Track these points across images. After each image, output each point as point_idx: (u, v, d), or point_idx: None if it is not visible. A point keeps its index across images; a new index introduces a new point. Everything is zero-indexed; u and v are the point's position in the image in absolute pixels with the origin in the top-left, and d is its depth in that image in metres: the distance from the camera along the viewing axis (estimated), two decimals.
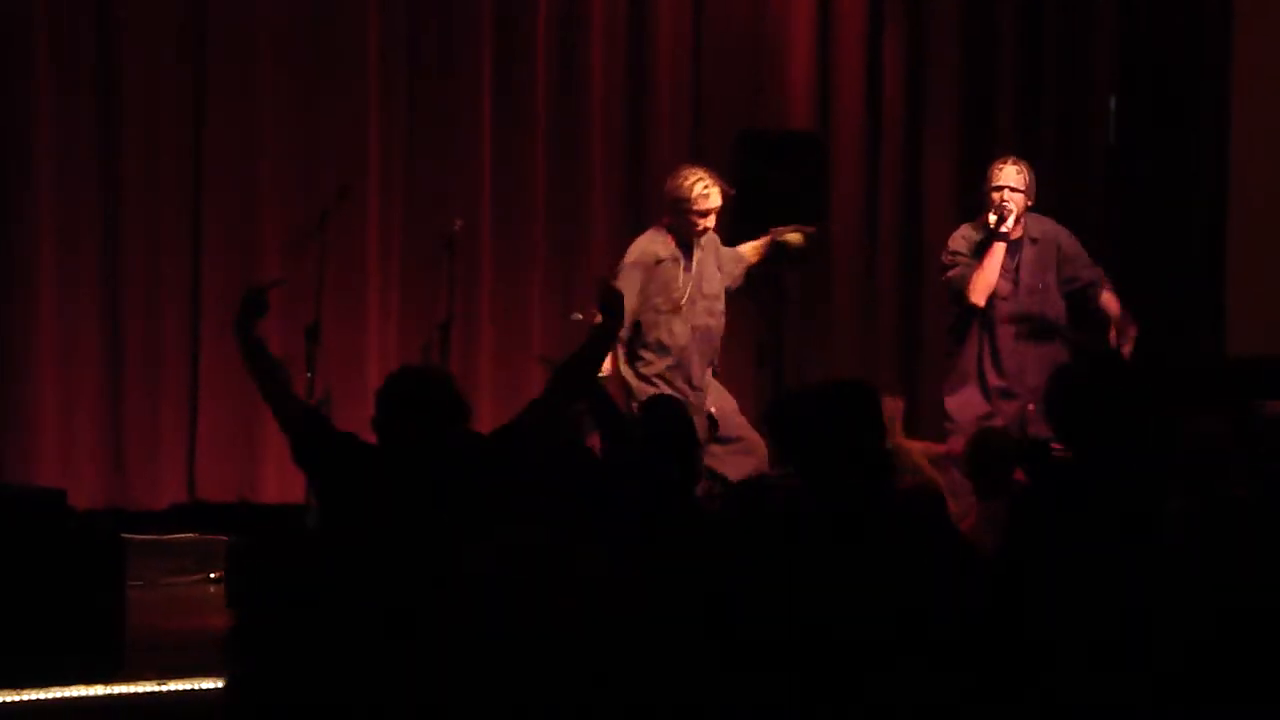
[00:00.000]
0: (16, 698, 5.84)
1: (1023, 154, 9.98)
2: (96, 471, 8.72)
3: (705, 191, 7.67)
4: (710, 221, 7.79)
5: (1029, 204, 8.07)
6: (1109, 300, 8.20)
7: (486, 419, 8.60)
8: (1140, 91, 10.43)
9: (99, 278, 8.75)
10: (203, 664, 5.96)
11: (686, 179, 7.69)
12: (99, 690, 5.98)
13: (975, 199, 8.34)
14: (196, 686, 5.98)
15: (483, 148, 9.35)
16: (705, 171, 7.75)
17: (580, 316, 8.44)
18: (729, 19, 9.84)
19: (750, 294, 9.83)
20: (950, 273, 8.14)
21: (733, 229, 9.68)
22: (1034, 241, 8.12)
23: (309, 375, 8.05)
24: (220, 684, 5.73)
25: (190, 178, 8.90)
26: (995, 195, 7.99)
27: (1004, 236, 7.93)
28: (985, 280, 7.93)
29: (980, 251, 7.99)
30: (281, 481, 8.72)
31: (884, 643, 3.86)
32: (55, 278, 8.64)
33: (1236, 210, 9.84)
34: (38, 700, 5.86)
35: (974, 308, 7.97)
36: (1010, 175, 8.01)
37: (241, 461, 8.92)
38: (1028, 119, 10.31)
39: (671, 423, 5.32)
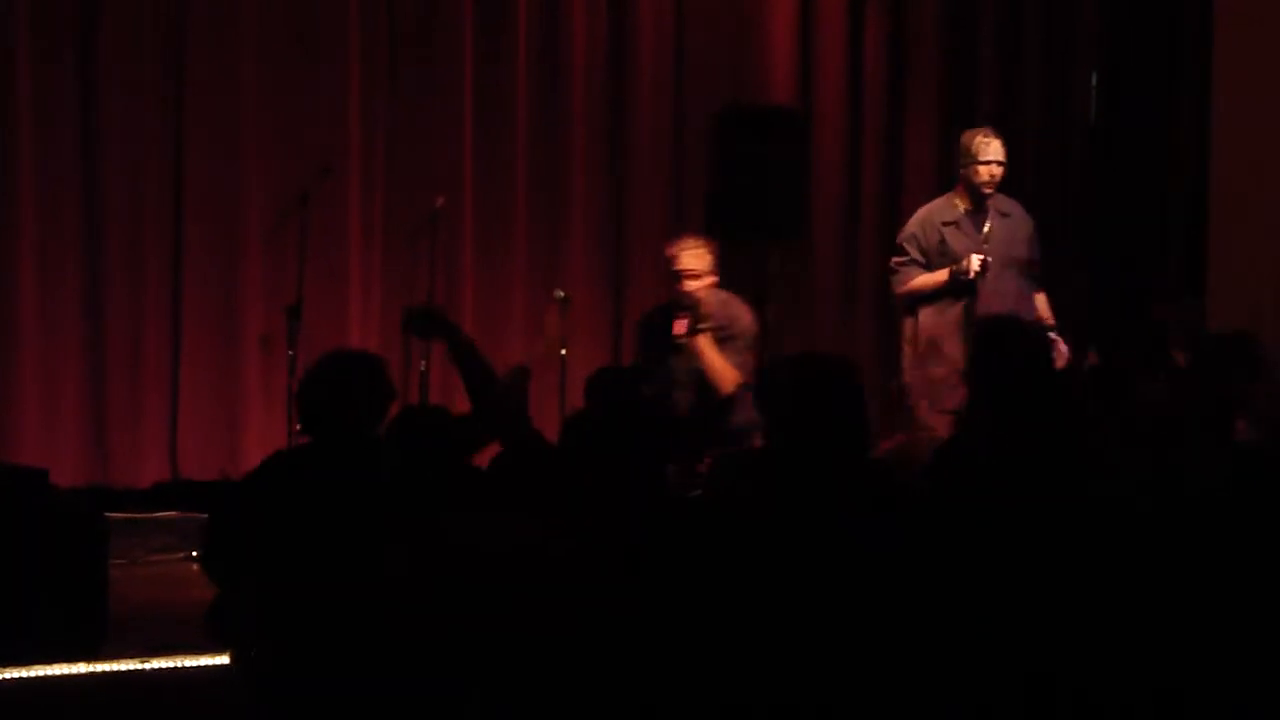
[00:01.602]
0: (0, 676, 5.84)
1: (1003, 129, 10.01)
2: (78, 450, 8.72)
3: None
4: None
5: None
6: (1043, 307, 8.19)
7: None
8: (1122, 67, 10.43)
9: (80, 256, 8.74)
10: (185, 641, 5.97)
11: None
12: (82, 668, 5.98)
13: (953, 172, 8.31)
14: (179, 664, 5.99)
15: (464, 125, 9.34)
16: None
17: (562, 294, 8.47)
18: None
19: (732, 273, 9.86)
20: (894, 270, 8.14)
21: (717, 204, 9.71)
22: (1004, 215, 8.08)
23: (290, 353, 8.04)
24: (203, 661, 5.79)
25: (171, 156, 8.88)
26: (983, 169, 7.95)
27: (966, 282, 7.83)
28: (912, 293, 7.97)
29: (941, 254, 7.97)
30: (264, 458, 8.69)
31: (862, 615, 3.87)
32: (36, 257, 8.63)
33: (1218, 187, 9.83)
34: (20, 678, 5.86)
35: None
36: (998, 149, 7.96)
37: (223, 439, 8.92)
38: (1009, 94, 10.31)
39: (617, 399, 5.16)
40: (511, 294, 9.39)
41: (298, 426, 7.70)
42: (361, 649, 3.98)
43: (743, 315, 7.69)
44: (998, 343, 4.87)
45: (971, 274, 7.75)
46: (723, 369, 7.44)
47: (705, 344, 7.45)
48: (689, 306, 7.47)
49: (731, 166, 9.53)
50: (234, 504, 4.70)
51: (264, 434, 8.79)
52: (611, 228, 9.72)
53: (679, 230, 9.72)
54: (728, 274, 9.79)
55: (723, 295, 7.75)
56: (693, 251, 7.61)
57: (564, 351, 8.40)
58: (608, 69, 9.69)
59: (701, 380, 7.46)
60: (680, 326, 7.49)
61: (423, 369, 8.16)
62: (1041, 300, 8.21)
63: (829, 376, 4.28)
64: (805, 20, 9.99)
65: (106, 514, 6.80)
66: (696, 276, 7.59)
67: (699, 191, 9.74)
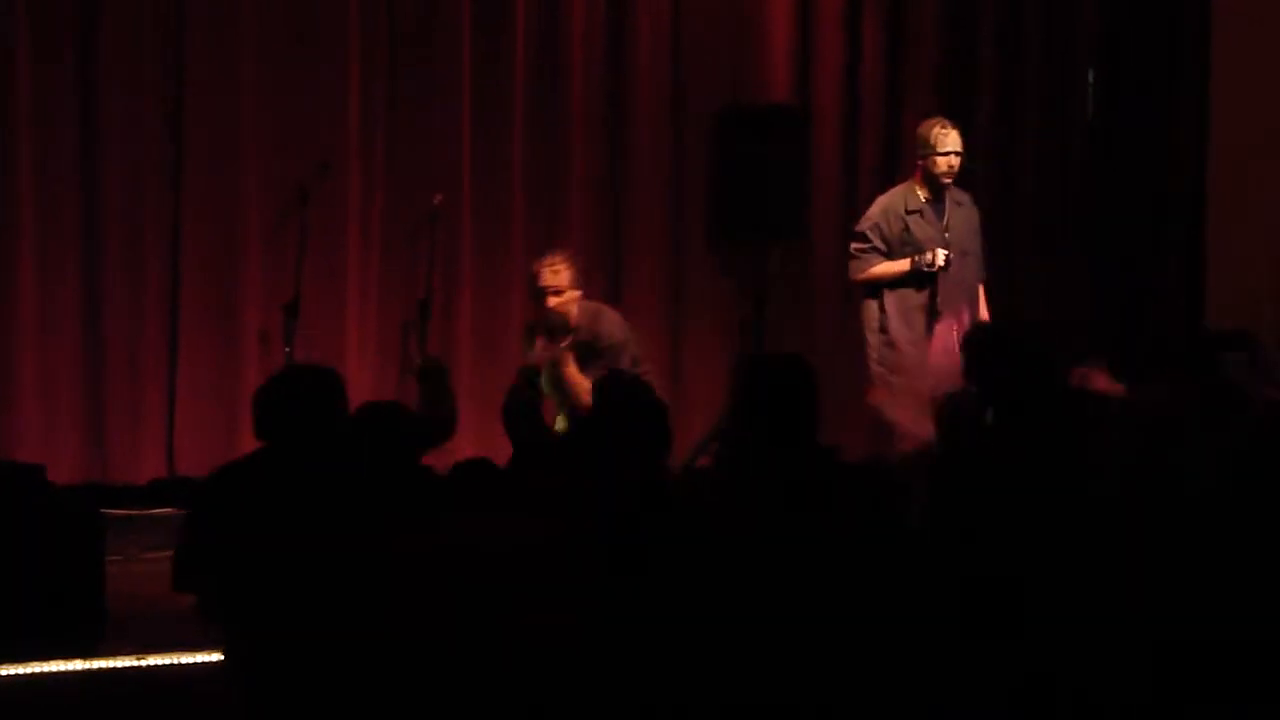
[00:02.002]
0: None
1: (1002, 128, 10.02)
2: (76, 446, 8.71)
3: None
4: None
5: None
6: (982, 298, 8.25)
7: (466, 394, 8.61)
8: (1120, 65, 10.43)
9: (79, 254, 8.73)
10: (181, 638, 5.97)
11: None
12: (78, 665, 5.98)
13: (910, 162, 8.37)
14: (175, 661, 5.99)
15: (463, 124, 9.33)
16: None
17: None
18: None
19: (731, 271, 9.87)
20: (854, 255, 8.19)
21: (717, 203, 9.72)
22: (959, 205, 8.17)
23: (287, 350, 8.04)
24: (199, 658, 5.78)
25: (170, 154, 8.87)
26: (942, 160, 8.01)
27: (929, 273, 7.94)
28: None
29: (899, 244, 8.04)
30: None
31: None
32: (35, 254, 8.62)
33: (1216, 184, 9.84)
34: (17, 675, 5.86)
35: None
36: (955, 139, 8.03)
37: (221, 436, 8.89)
38: (1007, 92, 10.31)
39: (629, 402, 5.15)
40: (510, 292, 9.37)
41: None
42: (348, 648, 3.97)
43: (611, 327, 7.71)
44: (999, 347, 4.86)
45: (936, 267, 7.88)
46: (579, 384, 7.44)
47: (566, 361, 7.47)
48: (551, 325, 7.51)
49: (731, 166, 9.56)
50: (198, 520, 4.68)
51: None
52: (610, 227, 9.71)
53: (678, 230, 9.79)
54: (729, 273, 9.85)
55: (591, 308, 7.82)
56: (551, 268, 7.65)
57: (563, 347, 8.38)
58: (606, 68, 9.68)
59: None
60: (540, 345, 7.56)
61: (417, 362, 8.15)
62: (980, 291, 8.28)
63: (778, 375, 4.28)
64: (804, 19, 9.98)
65: (103, 511, 6.81)
66: (558, 293, 7.63)
67: (698, 191, 9.75)
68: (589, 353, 7.56)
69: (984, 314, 8.18)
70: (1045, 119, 10.35)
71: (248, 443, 8.70)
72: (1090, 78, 10.44)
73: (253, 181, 8.96)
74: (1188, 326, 9.89)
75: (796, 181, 9.61)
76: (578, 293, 7.69)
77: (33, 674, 5.89)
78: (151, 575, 7.39)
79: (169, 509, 8.68)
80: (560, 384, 7.47)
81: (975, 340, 5.18)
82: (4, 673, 5.86)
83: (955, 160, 8.01)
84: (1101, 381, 7.78)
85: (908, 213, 8.06)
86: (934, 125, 8.07)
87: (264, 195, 8.92)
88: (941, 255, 7.87)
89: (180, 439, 8.91)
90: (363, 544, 3.98)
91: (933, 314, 7.89)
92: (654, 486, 4.46)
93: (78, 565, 6.25)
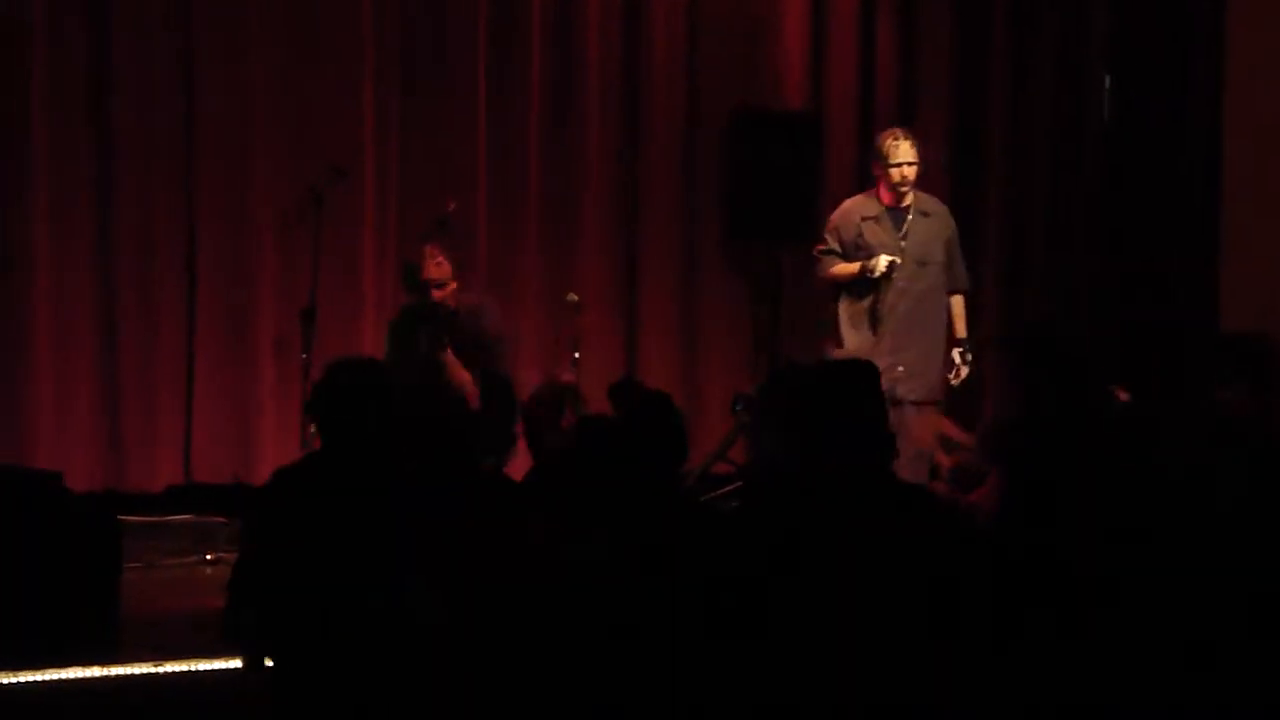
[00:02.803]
0: (13, 679, 5.85)
1: (1018, 132, 10.01)
2: (93, 453, 8.73)
3: None
4: None
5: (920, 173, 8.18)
6: (958, 313, 8.26)
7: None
8: (1135, 70, 10.42)
9: (94, 260, 8.75)
10: (199, 645, 5.98)
11: None
12: (95, 671, 5.99)
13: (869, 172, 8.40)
14: (192, 667, 6.00)
15: (477, 128, 9.34)
16: None
17: (575, 298, 8.48)
18: (723, 0, 9.83)
19: (744, 274, 9.87)
20: (816, 257, 8.28)
21: (730, 210, 9.72)
22: (925, 215, 8.21)
23: (304, 357, 8.05)
24: (215, 665, 5.79)
25: (183, 161, 8.89)
26: (894, 171, 8.09)
27: (873, 279, 8.04)
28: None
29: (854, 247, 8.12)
30: (277, 462, 8.68)
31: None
32: (50, 260, 8.65)
33: (1231, 188, 9.82)
34: (35, 681, 5.87)
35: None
36: (907, 150, 8.09)
37: (237, 443, 8.93)
38: (1022, 98, 10.31)
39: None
40: (523, 298, 9.39)
41: (312, 429, 7.73)
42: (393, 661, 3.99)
43: (488, 321, 7.71)
44: (1041, 355, 4.83)
45: (876, 273, 8.00)
46: (460, 378, 7.45)
47: (448, 356, 7.46)
48: (434, 318, 7.51)
49: (744, 169, 9.57)
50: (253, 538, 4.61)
51: (278, 437, 8.81)
52: (624, 231, 9.72)
53: (692, 233, 9.79)
54: (742, 276, 9.85)
55: (472, 301, 7.85)
56: (435, 260, 7.68)
57: (577, 355, 8.40)
58: (621, 73, 9.69)
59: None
60: (423, 339, 7.58)
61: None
62: (958, 304, 8.31)
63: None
64: (818, 24, 9.99)
65: (120, 517, 6.80)
66: (442, 285, 7.66)
67: (712, 194, 9.75)
68: (474, 346, 7.59)
69: (959, 326, 8.24)
70: (1060, 124, 10.34)
71: (265, 449, 8.83)
72: (1106, 83, 10.43)
73: (266, 187, 8.97)
74: (1202, 331, 9.88)
75: (810, 185, 9.62)
76: (454, 285, 7.75)
77: (50, 680, 5.90)
78: (168, 582, 7.45)
79: (186, 515, 8.72)
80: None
81: (1017, 348, 5.12)
82: (22, 679, 5.87)
83: (908, 170, 8.09)
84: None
85: (864, 219, 8.17)
86: (888, 137, 8.18)
87: (278, 202, 8.93)
88: (884, 261, 8.00)
89: (197, 446, 8.92)
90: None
91: (875, 320, 8.05)
92: (672, 492, 4.47)
93: (95, 572, 6.26)
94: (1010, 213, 10.32)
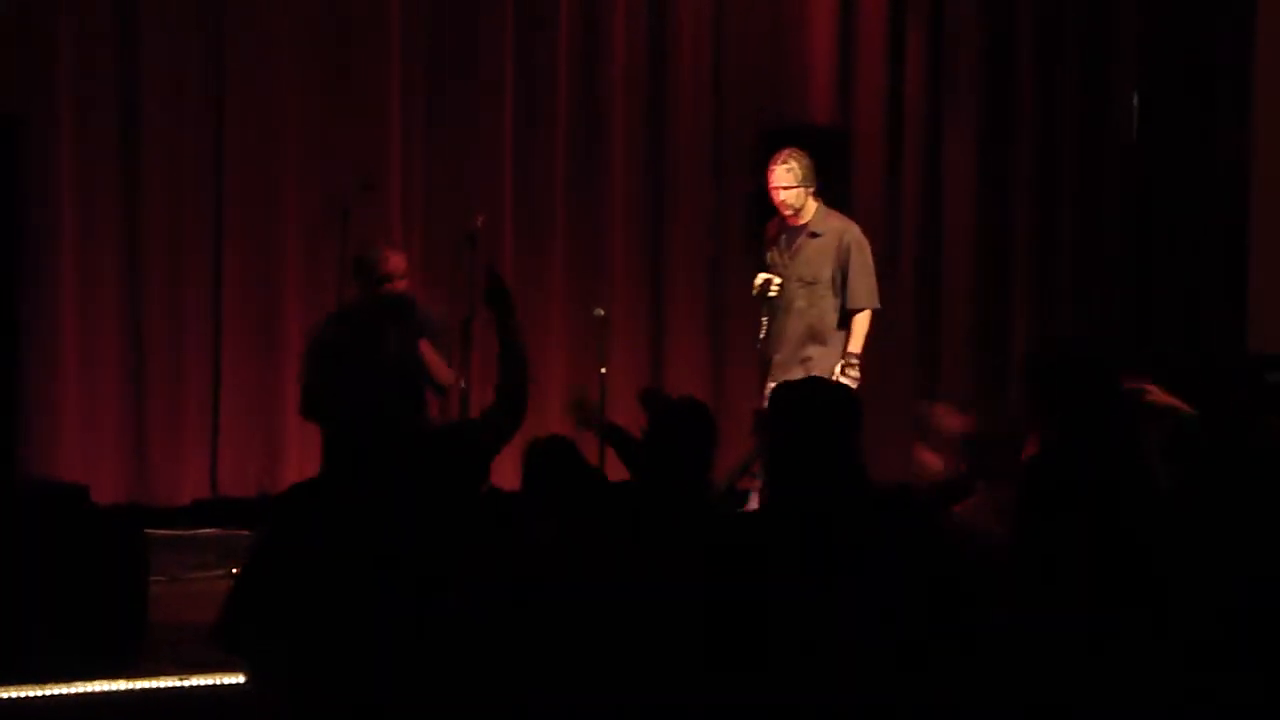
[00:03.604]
0: (40, 692, 5.86)
1: (1045, 151, 9.98)
2: (119, 467, 8.75)
3: None
4: None
5: (810, 192, 8.21)
6: (856, 330, 8.25)
7: None
8: (1162, 89, 10.40)
9: (120, 274, 8.77)
10: (224, 659, 5.97)
11: None
12: (121, 685, 5.99)
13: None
14: (217, 681, 6.00)
15: (504, 144, 9.36)
16: None
17: (602, 312, 8.47)
18: (750, 13, 9.83)
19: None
20: None
21: (756, 224, 9.71)
22: (814, 235, 8.25)
23: None
24: (241, 679, 5.78)
25: (211, 177, 8.91)
26: (773, 195, 8.22)
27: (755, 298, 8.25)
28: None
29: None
30: (302, 475, 8.72)
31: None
32: (77, 275, 8.67)
33: (1258, 207, 9.81)
34: (60, 695, 5.88)
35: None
36: (780, 175, 8.18)
37: (263, 456, 8.94)
38: (1050, 116, 10.29)
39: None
40: (550, 313, 9.39)
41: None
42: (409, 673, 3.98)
43: (435, 312, 7.69)
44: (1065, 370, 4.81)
45: (754, 293, 8.27)
46: (436, 366, 7.41)
47: (425, 347, 7.41)
48: (407, 313, 7.47)
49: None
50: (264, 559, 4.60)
51: (303, 451, 8.80)
52: (650, 247, 9.72)
53: (719, 250, 9.78)
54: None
55: (422, 295, 7.85)
56: (397, 254, 7.60)
57: (604, 370, 8.39)
58: (647, 88, 9.69)
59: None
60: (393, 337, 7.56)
61: (462, 386, 8.16)
62: (858, 321, 8.28)
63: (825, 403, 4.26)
64: (845, 45, 9.99)
65: (146, 531, 6.81)
66: (403, 277, 7.55)
67: (739, 207, 9.74)
68: (434, 332, 7.60)
69: (854, 342, 8.25)
70: (1088, 141, 10.32)
71: (290, 462, 8.84)
72: (1134, 100, 10.41)
73: (293, 200, 8.99)
74: (1230, 347, 9.86)
75: (837, 200, 9.60)
76: (407, 281, 7.75)
77: (76, 693, 5.90)
78: (194, 595, 7.44)
79: (212, 529, 8.73)
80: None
81: (1041, 365, 5.09)
82: (48, 691, 5.87)
83: (783, 194, 8.19)
84: (1157, 395, 7.76)
85: (769, 239, 8.37)
86: (771, 163, 8.26)
87: (305, 215, 8.95)
88: (759, 280, 8.26)
89: (223, 459, 8.94)
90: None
91: (767, 338, 8.30)
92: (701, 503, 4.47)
93: (121, 585, 6.27)
94: (1038, 229, 10.30)
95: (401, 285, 7.41)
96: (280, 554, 4.37)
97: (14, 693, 5.84)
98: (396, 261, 7.38)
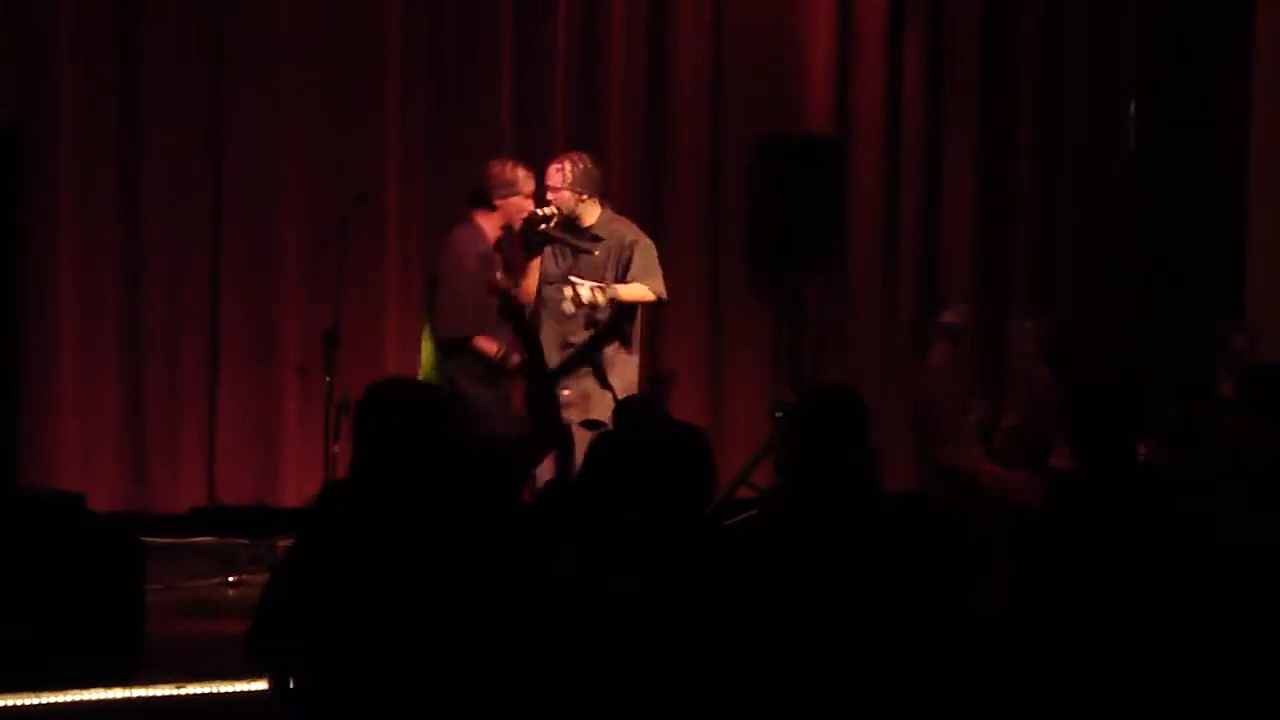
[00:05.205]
0: (36, 700, 5.85)
1: (1043, 159, 9.98)
2: (116, 475, 8.74)
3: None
4: None
5: (584, 197, 7.86)
6: (626, 290, 7.91)
7: None
8: (1161, 96, 10.41)
9: (119, 284, 8.77)
10: (221, 667, 5.97)
11: None
12: (118, 693, 5.98)
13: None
14: (215, 690, 5.99)
15: (503, 150, 9.34)
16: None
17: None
18: (749, 24, 9.83)
19: (769, 299, 9.86)
20: None
21: (755, 231, 9.71)
22: (595, 239, 7.88)
23: (328, 379, 8.05)
24: (239, 687, 5.78)
25: (210, 181, 8.91)
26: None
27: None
28: (526, 286, 7.89)
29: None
30: (299, 484, 8.74)
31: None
32: (75, 284, 8.67)
33: (1257, 213, 9.81)
34: (56, 703, 5.87)
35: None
36: (550, 175, 7.87)
37: (260, 465, 8.93)
38: (1048, 124, 10.29)
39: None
40: None
41: (335, 448, 7.73)
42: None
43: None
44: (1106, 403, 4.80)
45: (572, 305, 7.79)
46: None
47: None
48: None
49: (770, 194, 9.56)
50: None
51: (301, 460, 8.81)
52: None
53: (717, 257, 9.78)
54: (767, 301, 9.84)
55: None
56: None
57: None
58: (646, 99, 9.69)
59: None
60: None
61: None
62: (639, 290, 7.93)
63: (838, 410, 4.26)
64: (843, 54, 9.99)
65: (144, 539, 6.79)
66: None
67: (737, 221, 9.74)
68: None
69: (624, 289, 7.84)
70: (1086, 149, 10.33)
71: (288, 471, 8.83)
72: (1131, 109, 10.42)
73: (291, 210, 8.99)
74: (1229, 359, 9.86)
75: (835, 210, 9.61)
76: None
77: (73, 702, 5.89)
78: (191, 603, 7.44)
79: (209, 537, 8.73)
80: None
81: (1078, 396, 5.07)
82: (45, 700, 5.86)
83: (550, 194, 7.85)
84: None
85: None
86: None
87: (303, 225, 8.94)
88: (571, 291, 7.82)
89: (220, 467, 8.93)
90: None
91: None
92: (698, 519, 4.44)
93: (118, 593, 6.24)
94: (1037, 237, 10.30)
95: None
96: (311, 563, 4.35)
97: (11, 701, 5.82)
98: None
